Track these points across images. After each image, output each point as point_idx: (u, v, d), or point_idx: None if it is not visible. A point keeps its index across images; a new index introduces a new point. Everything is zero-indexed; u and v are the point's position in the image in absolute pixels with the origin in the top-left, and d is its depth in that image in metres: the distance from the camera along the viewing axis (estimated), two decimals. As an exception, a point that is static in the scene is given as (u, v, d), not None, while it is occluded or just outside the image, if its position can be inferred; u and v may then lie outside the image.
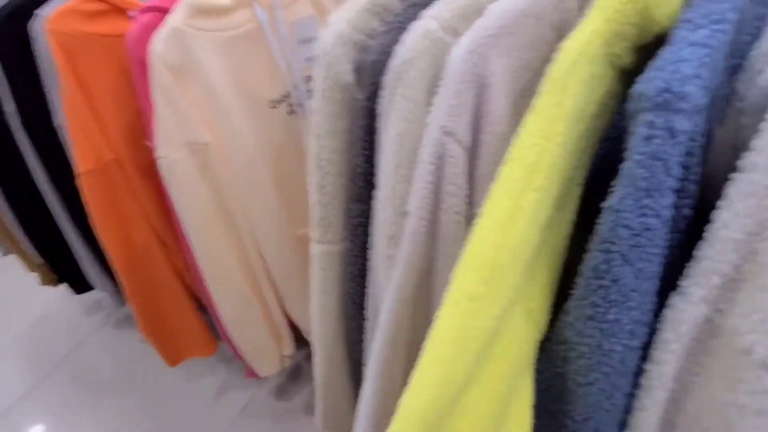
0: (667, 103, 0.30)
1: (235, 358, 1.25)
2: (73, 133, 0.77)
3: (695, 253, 0.35)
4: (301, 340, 1.05)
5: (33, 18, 0.78)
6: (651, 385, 0.38)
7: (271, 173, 0.81)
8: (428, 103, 0.45)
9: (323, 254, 0.63)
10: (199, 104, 0.70)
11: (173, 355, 1.02)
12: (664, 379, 0.38)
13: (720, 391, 0.36)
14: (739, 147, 0.33)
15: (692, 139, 0.32)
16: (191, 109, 0.69)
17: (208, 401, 1.23)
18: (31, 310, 1.54)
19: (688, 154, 0.32)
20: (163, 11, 0.66)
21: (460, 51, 0.41)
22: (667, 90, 0.30)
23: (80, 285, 1.18)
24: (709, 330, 0.35)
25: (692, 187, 0.35)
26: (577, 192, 0.40)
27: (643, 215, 0.33)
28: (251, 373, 1.02)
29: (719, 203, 0.33)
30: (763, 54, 0.36)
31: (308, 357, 1.27)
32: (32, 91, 0.83)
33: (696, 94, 0.30)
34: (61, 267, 1.14)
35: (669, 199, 0.33)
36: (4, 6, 0.80)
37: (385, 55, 0.47)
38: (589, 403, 0.39)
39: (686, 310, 0.35)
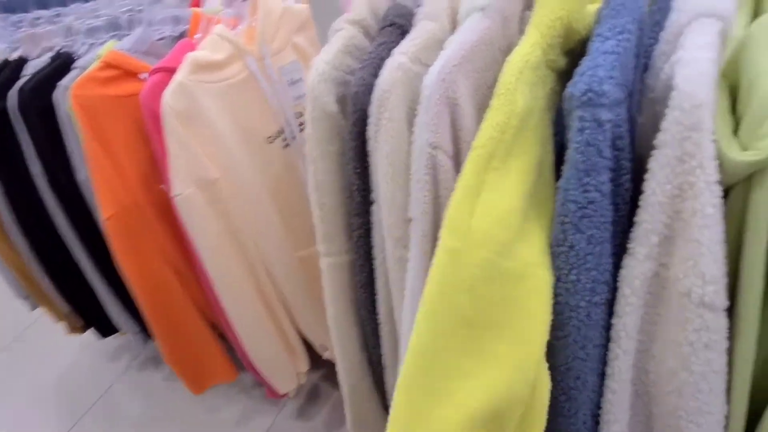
0: (590, 100, 0.38)
1: (255, 383, 1.32)
2: (97, 184, 0.86)
3: (635, 218, 0.42)
4: (315, 360, 1.12)
5: (56, 89, 0.88)
6: (618, 336, 0.44)
7: (273, 201, 0.90)
8: (408, 123, 0.54)
9: (331, 266, 0.71)
10: (206, 145, 0.79)
11: (197, 383, 1.08)
12: (629, 329, 0.43)
13: (675, 333, 0.41)
14: (657, 129, 0.40)
15: (617, 126, 0.39)
16: (199, 151, 0.78)
17: (232, 428, 1.28)
18: (58, 360, 1.60)
19: (618, 138, 0.40)
20: (169, 71, 0.76)
21: (432, 79, 0.49)
22: (589, 90, 0.38)
23: (106, 328, 1.25)
24: (658, 283, 0.42)
25: (627, 164, 0.42)
26: (550, 161, 0.47)
27: (586, 191, 0.40)
28: (271, 393, 1.08)
29: (646, 175, 0.40)
30: (661, 53, 0.44)
31: (324, 377, 1.34)
32: (55, 153, 0.93)
33: (612, 90, 0.38)
34: (87, 313, 1.22)
35: (605, 176, 0.40)
36: (28, 81, 0.90)
37: (363, 87, 0.55)
38: (567, 354, 0.46)
39: (635, 267, 0.42)
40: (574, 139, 0.40)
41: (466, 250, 0.42)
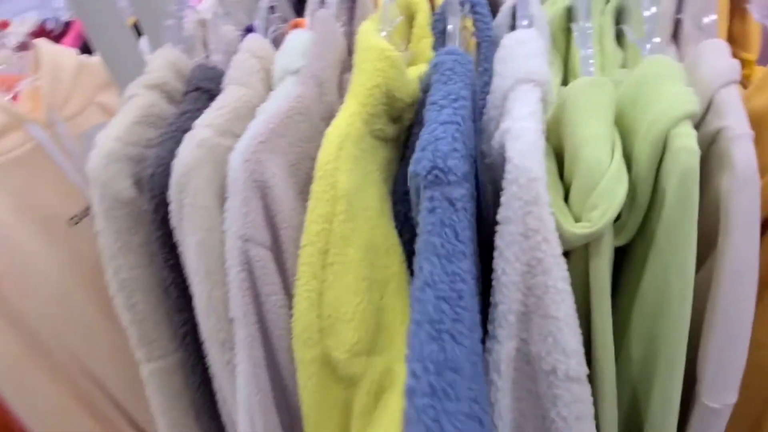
0: (438, 178, 0.34)
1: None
2: None
3: (491, 299, 0.39)
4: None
5: None
6: (495, 426, 0.41)
7: (92, 293, 0.74)
8: (219, 208, 0.45)
9: (156, 372, 0.58)
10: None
11: None
12: (503, 414, 0.41)
13: (547, 410, 0.40)
14: (497, 194, 0.38)
15: (468, 201, 0.36)
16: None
17: None
18: None
19: (471, 214, 0.37)
20: None
21: (236, 160, 0.42)
22: (434, 167, 0.34)
23: None
24: (522, 358, 0.40)
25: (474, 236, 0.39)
26: (394, 241, 0.43)
27: (452, 281, 0.34)
28: None
29: (495, 253, 0.38)
30: (490, 119, 0.42)
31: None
32: None
33: (458, 165, 0.35)
34: None
35: (466, 263, 0.35)
36: None
37: (162, 167, 0.46)
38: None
39: (499, 350, 0.39)
40: (426, 220, 0.35)
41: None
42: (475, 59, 0.44)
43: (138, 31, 0.70)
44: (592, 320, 0.42)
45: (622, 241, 0.43)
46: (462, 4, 0.47)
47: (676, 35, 0.54)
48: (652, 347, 0.43)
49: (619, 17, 0.55)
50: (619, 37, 0.55)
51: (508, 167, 0.36)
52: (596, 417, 0.42)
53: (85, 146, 0.71)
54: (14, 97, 0.67)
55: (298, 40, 0.48)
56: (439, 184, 0.34)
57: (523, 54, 0.43)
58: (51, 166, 0.68)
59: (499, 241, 0.37)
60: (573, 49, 0.55)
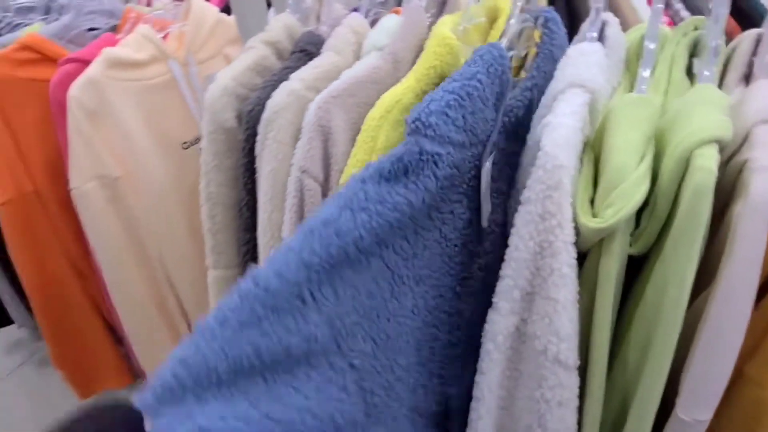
0: (417, 129, 0.37)
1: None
2: (-6, 165, 0.83)
3: (500, 273, 0.42)
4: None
5: (-32, 64, 0.85)
6: (482, 396, 0.44)
7: (184, 208, 0.88)
8: (294, 146, 0.55)
9: (217, 279, 0.70)
10: (112, 143, 0.77)
11: (84, 387, 1.03)
12: (492, 386, 0.44)
13: (532, 390, 0.42)
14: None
15: (452, 167, 0.38)
16: (103, 147, 0.76)
17: (123, 438, 1.22)
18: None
19: (455, 181, 0.40)
20: (83, 62, 0.75)
21: (312, 107, 0.51)
22: (417, 119, 0.37)
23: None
24: (519, 338, 0.43)
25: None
26: None
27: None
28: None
29: (512, 230, 0.41)
30: (540, 116, 0.45)
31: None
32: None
33: (441, 125, 0.37)
34: (-22, 299, 1.15)
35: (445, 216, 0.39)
36: (-61, 50, 0.86)
37: (258, 107, 0.56)
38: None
39: (499, 321, 0.42)
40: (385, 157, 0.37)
41: None
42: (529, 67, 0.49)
43: (269, 1, 0.82)
44: (593, 319, 0.43)
45: (637, 249, 0.44)
46: (537, 18, 0.52)
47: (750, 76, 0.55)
48: (644, 353, 0.44)
49: (694, 50, 0.57)
50: (691, 69, 0.57)
51: (539, 154, 0.39)
52: (581, 412, 0.43)
53: (207, 86, 0.86)
54: (164, 37, 0.82)
55: (389, 23, 0.57)
56: (416, 133, 0.37)
57: (581, 63, 0.46)
58: (178, 97, 0.83)
59: (517, 219, 0.41)
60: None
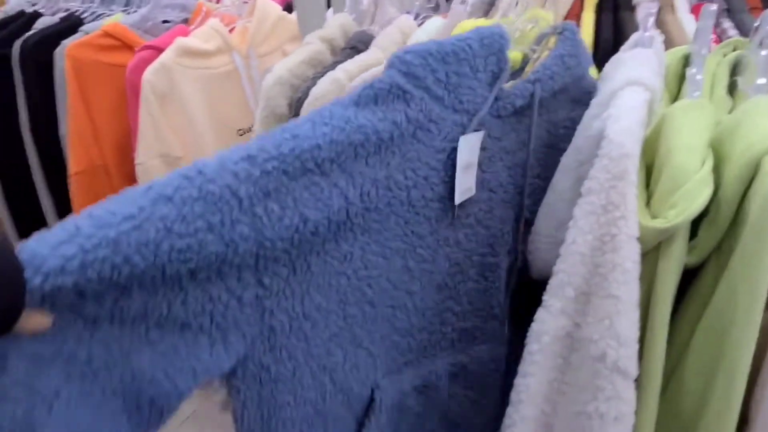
0: (392, 63, 0.38)
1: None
2: (71, 139, 0.92)
3: (553, 268, 0.40)
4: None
5: (58, 47, 0.95)
6: (519, 399, 0.40)
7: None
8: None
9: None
10: (177, 125, 0.85)
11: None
12: (532, 392, 0.40)
13: (584, 403, 0.38)
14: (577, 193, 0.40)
15: (421, 111, 0.37)
16: (169, 128, 0.84)
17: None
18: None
19: (428, 122, 0.38)
20: (157, 49, 0.83)
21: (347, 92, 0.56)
22: (396, 55, 0.38)
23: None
24: (570, 344, 0.39)
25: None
26: None
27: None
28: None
29: (570, 223, 0.39)
30: (592, 116, 0.44)
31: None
32: (44, 105, 0.99)
33: (419, 68, 0.37)
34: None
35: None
36: (34, 34, 0.97)
37: (306, 95, 0.61)
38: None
39: (547, 321, 0.39)
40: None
41: None
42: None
43: (328, 2, 0.88)
44: (648, 328, 0.39)
45: (694, 260, 0.41)
46: (556, 28, 0.54)
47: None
48: (712, 372, 0.39)
49: (735, 70, 0.57)
50: (732, 89, 0.57)
51: (603, 143, 0.37)
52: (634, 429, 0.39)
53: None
54: (230, 30, 0.89)
55: (433, 25, 0.61)
56: (392, 66, 0.37)
57: (636, 62, 0.45)
58: (238, 87, 0.90)
59: (577, 210, 0.38)
60: (683, 94, 0.58)
